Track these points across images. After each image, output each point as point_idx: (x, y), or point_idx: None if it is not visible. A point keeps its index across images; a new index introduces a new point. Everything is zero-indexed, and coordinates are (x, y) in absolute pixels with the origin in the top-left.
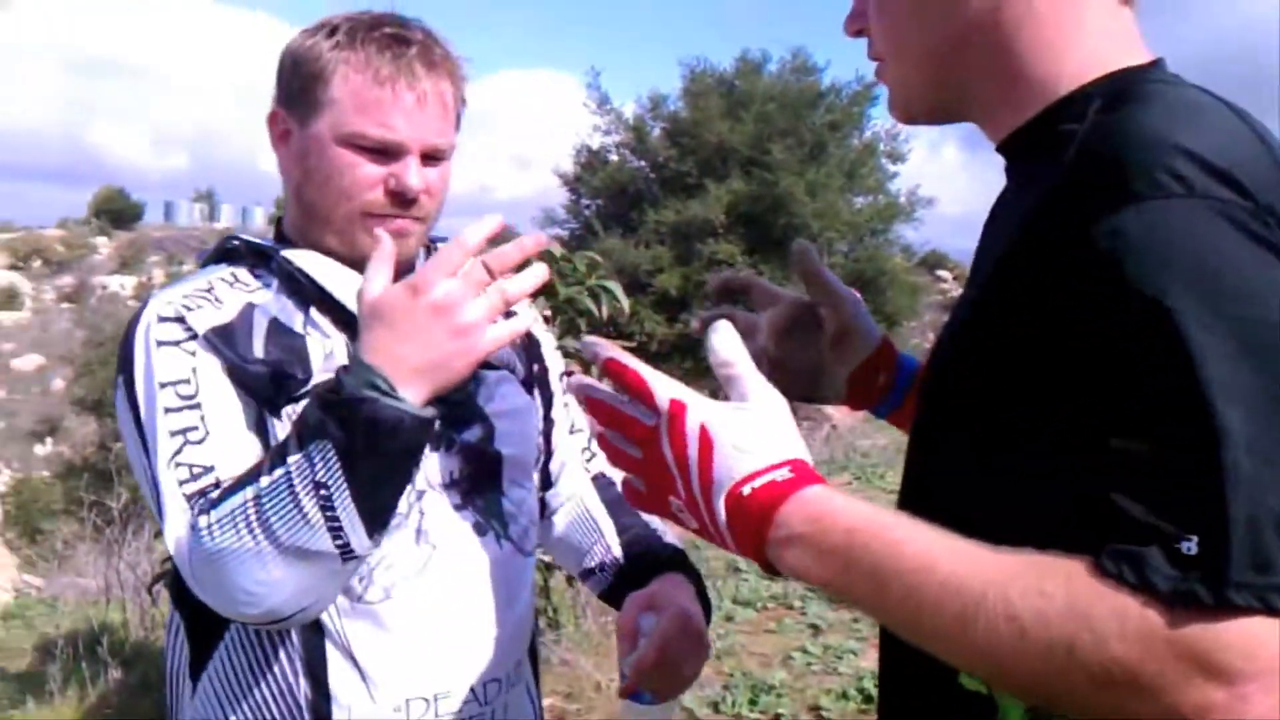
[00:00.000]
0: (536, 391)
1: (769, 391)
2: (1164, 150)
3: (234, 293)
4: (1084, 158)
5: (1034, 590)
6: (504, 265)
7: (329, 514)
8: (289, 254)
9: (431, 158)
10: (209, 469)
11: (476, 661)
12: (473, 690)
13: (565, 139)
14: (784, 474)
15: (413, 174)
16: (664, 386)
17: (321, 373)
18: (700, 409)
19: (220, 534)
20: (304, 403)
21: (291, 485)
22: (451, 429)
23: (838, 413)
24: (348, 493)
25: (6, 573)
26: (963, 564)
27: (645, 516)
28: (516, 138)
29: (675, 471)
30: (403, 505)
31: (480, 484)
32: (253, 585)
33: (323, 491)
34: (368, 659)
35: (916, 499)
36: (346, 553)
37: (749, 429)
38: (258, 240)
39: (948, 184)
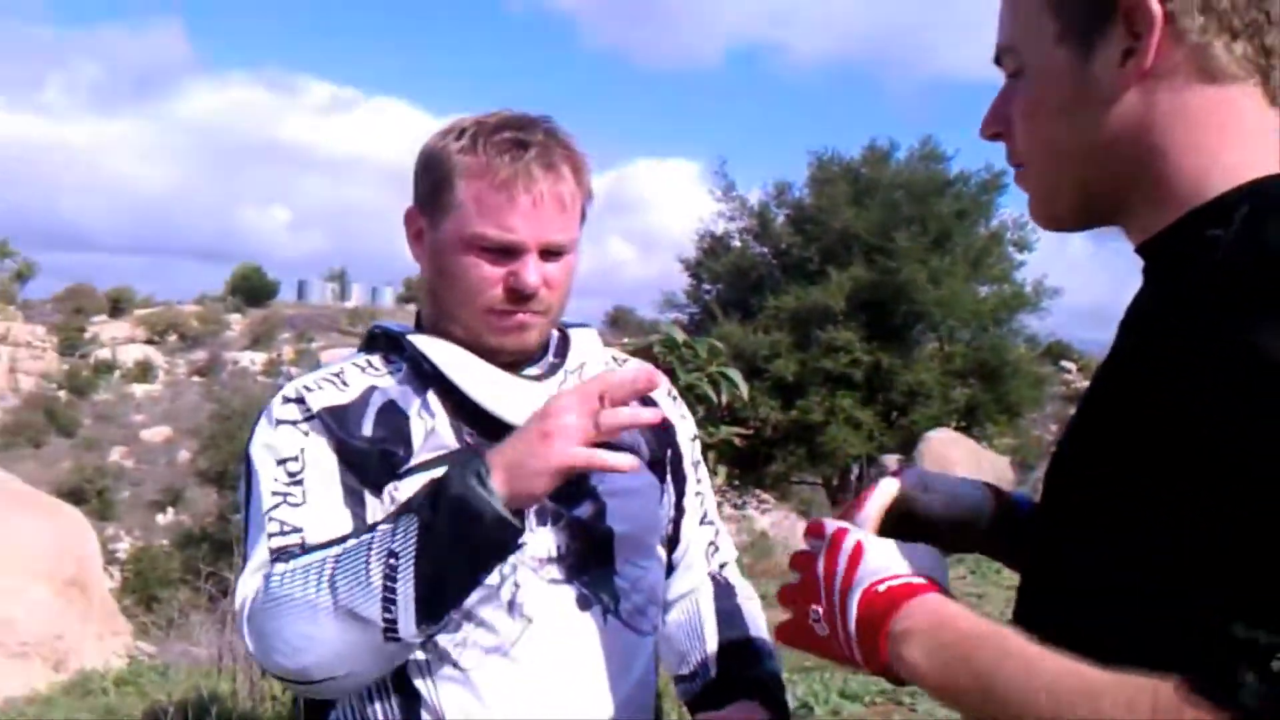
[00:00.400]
0: (669, 476)
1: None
2: None
3: (363, 377)
4: (1235, 263)
5: (1123, 703)
6: (616, 396)
7: (389, 583)
8: (416, 340)
9: (552, 253)
10: (298, 529)
11: None
12: None
13: (690, 224)
14: (920, 580)
15: (530, 271)
16: (834, 521)
17: (423, 451)
18: (860, 532)
19: (289, 581)
20: (408, 479)
21: (370, 548)
22: (561, 504)
23: None
24: (412, 567)
25: (121, 639)
26: (1064, 675)
27: (753, 634)
28: (649, 222)
29: (822, 582)
30: (494, 577)
31: (588, 560)
32: (295, 637)
33: (392, 560)
34: None
35: (1035, 592)
36: (391, 629)
37: (900, 550)
38: (393, 328)
39: (1075, 274)
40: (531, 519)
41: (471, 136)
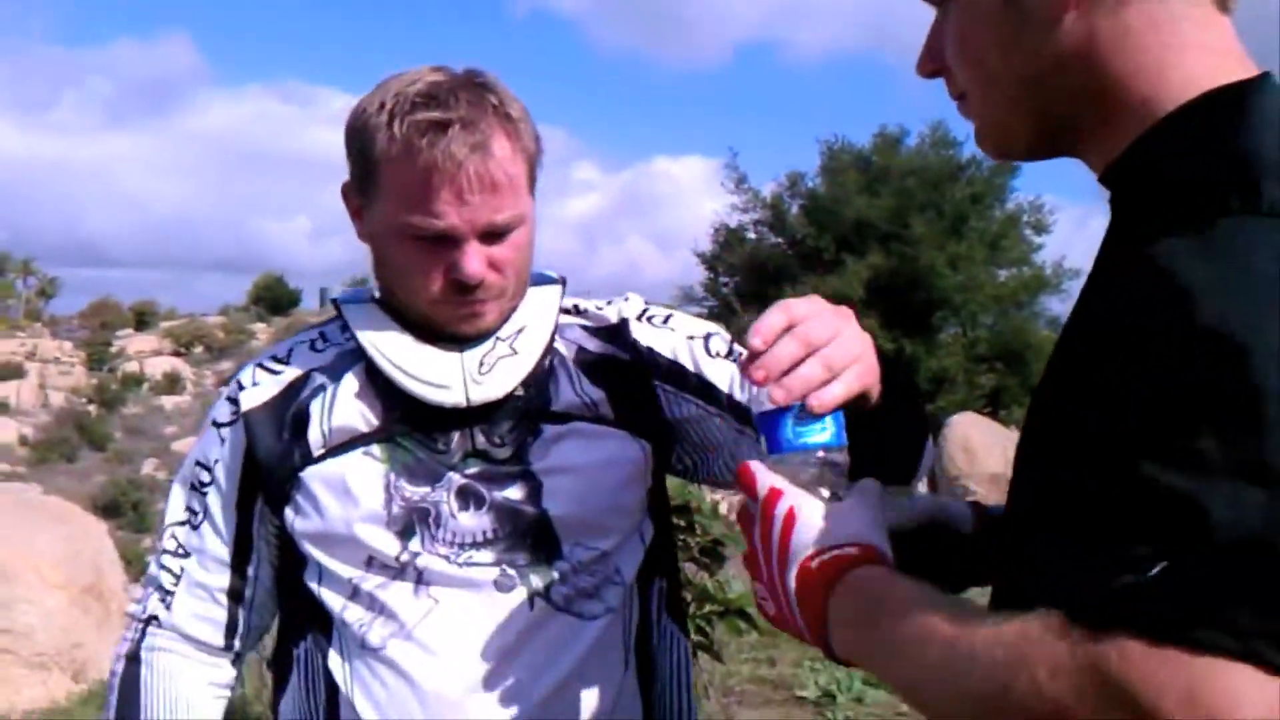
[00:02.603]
0: (681, 406)
1: (862, 483)
2: (1260, 168)
3: (306, 356)
4: (1173, 175)
5: (1008, 661)
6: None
7: None
8: (348, 312)
9: (495, 234)
10: (186, 554)
11: (484, 717)
12: None
13: (706, 221)
14: (852, 550)
15: (469, 260)
16: (767, 477)
17: (333, 438)
18: (794, 495)
19: (117, 679)
20: (310, 468)
21: None
22: (487, 486)
23: None
24: None
25: None
26: (971, 623)
27: None
28: (667, 220)
29: (760, 557)
30: (401, 558)
31: (522, 543)
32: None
33: None
34: (364, 705)
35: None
36: None
37: (831, 513)
38: (343, 298)
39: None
40: (454, 502)
41: (389, 113)
